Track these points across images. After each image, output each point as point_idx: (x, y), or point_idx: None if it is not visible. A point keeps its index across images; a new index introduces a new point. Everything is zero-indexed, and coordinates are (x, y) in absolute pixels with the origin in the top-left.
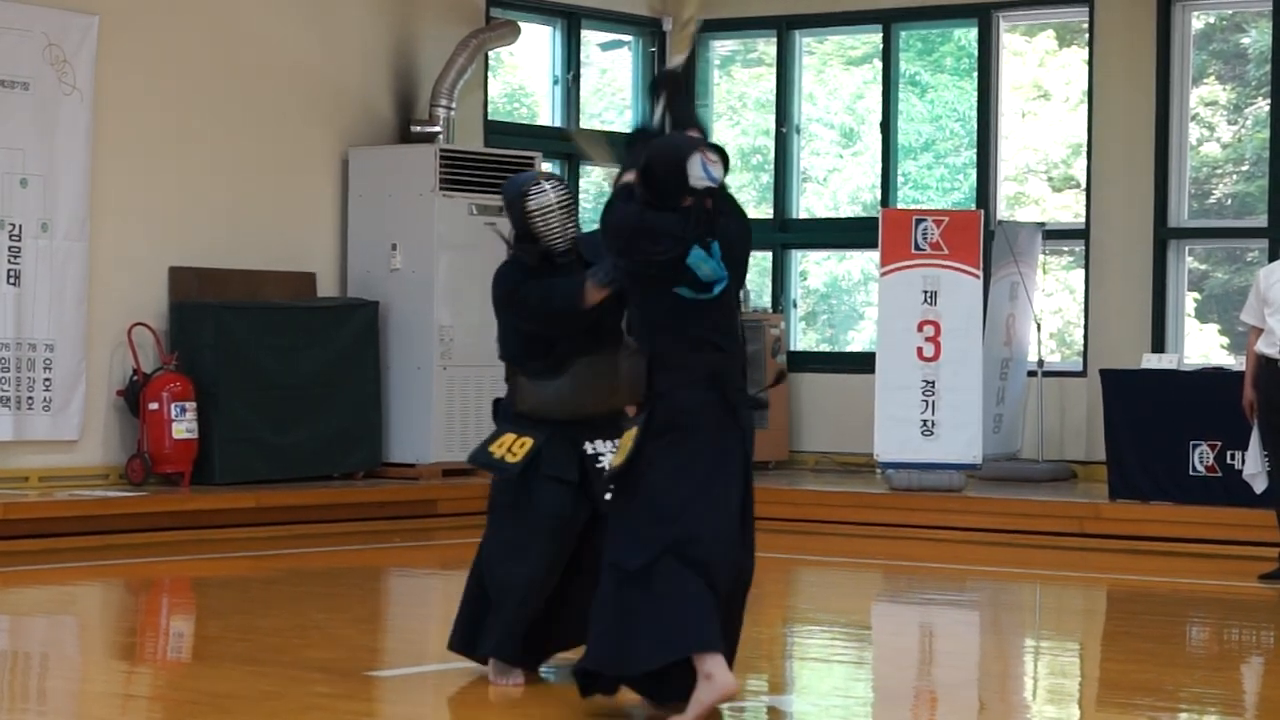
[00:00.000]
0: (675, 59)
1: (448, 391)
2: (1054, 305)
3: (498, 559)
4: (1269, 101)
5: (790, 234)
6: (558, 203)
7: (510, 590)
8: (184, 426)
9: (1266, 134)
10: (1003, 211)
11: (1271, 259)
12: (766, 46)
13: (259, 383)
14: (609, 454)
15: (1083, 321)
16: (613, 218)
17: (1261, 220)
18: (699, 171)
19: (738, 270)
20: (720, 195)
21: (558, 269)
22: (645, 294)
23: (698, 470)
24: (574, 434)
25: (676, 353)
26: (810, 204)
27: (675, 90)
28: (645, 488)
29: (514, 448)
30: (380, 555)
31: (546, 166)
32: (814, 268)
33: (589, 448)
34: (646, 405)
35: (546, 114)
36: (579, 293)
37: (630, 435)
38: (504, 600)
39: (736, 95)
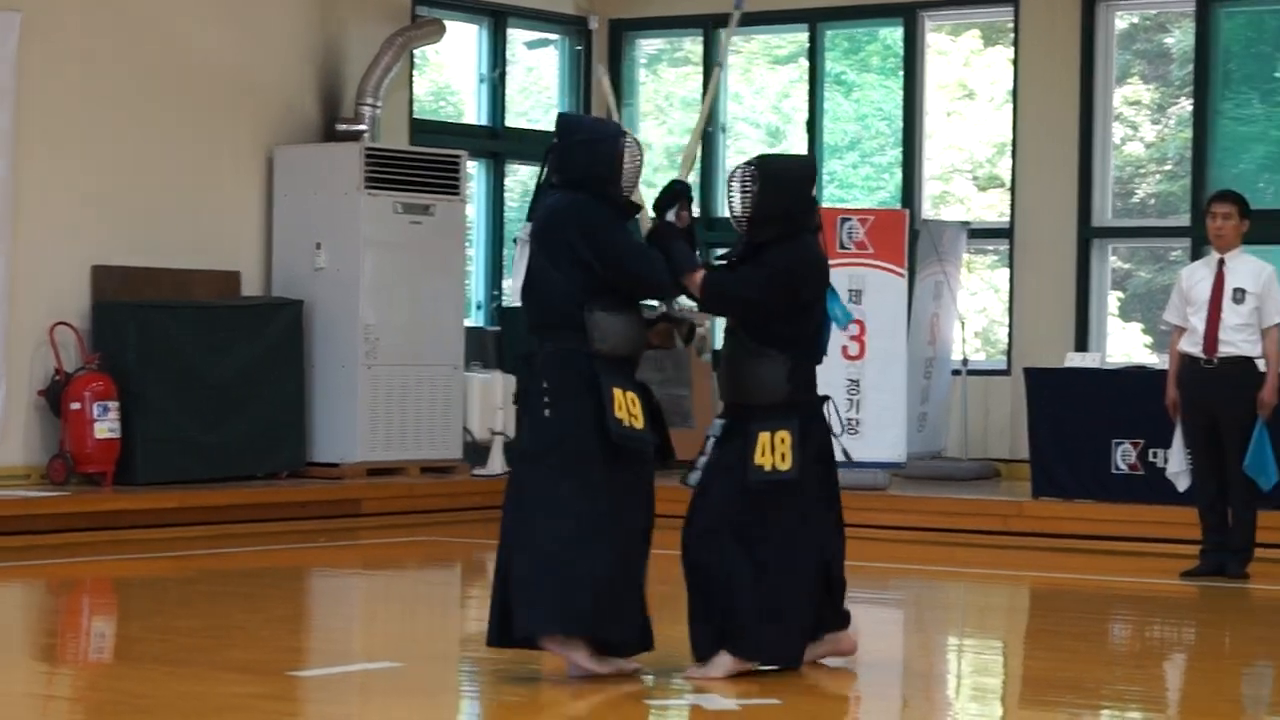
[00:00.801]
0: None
1: (372, 390)
2: (978, 304)
3: (631, 534)
4: (1191, 101)
5: (716, 233)
6: (642, 157)
7: (635, 565)
8: (106, 426)
9: (1189, 134)
10: (928, 211)
11: (1194, 258)
12: (693, 45)
13: (182, 382)
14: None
15: (1007, 320)
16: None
17: (1184, 219)
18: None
19: None
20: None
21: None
22: (804, 311)
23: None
24: (638, 377)
25: (813, 367)
26: None
27: (687, 202)
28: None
29: (630, 408)
30: (304, 555)
31: (472, 166)
32: None
33: (655, 392)
34: (794, 412)
35: (472, 112)
36: (668, 273)
37: (782, 438)
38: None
39: (663, 95)
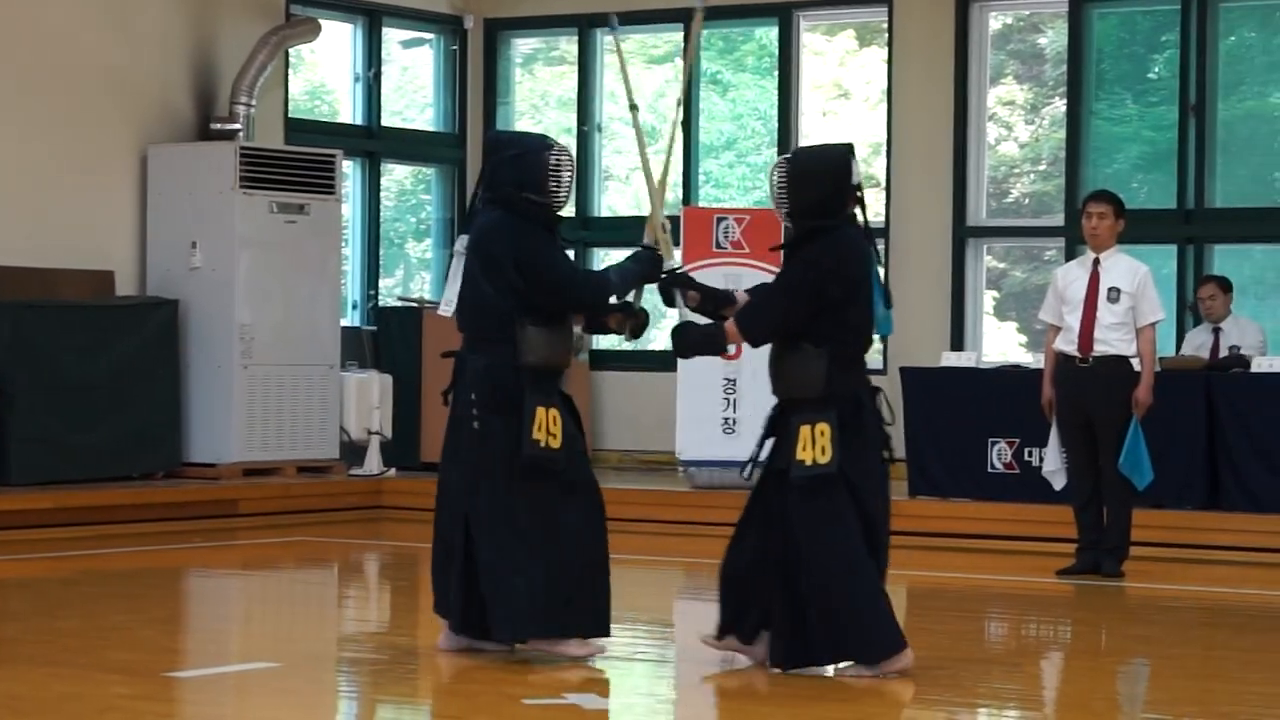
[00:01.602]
0: (671, 261)
1: (248, 390)
2: None
3: (567, 539)
4: (1065, 101)
5: (592, 232)
6: (571, 167)
7: (599, 566)
8: None
9: (1063, 134)
10: None
11: (1068, 258)
12: (568, 45)
13: (56, 382)
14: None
15: None
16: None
17: (1058, 219)
18: (856, 169)
19: None
20: None
21: (557, 223)
22: (853, 306)
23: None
24: (561, 387)
25: (855, 358)
26: (613, 202)
27: (689, 283)
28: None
29: (550, 427)
30: (181, 556)
31: (347, 165)
32: None
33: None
34: (832, 404)
35: (348, 111)
36: (607, 285)
37: (822, 431)
38: (595, 578)
39: (539, 94)
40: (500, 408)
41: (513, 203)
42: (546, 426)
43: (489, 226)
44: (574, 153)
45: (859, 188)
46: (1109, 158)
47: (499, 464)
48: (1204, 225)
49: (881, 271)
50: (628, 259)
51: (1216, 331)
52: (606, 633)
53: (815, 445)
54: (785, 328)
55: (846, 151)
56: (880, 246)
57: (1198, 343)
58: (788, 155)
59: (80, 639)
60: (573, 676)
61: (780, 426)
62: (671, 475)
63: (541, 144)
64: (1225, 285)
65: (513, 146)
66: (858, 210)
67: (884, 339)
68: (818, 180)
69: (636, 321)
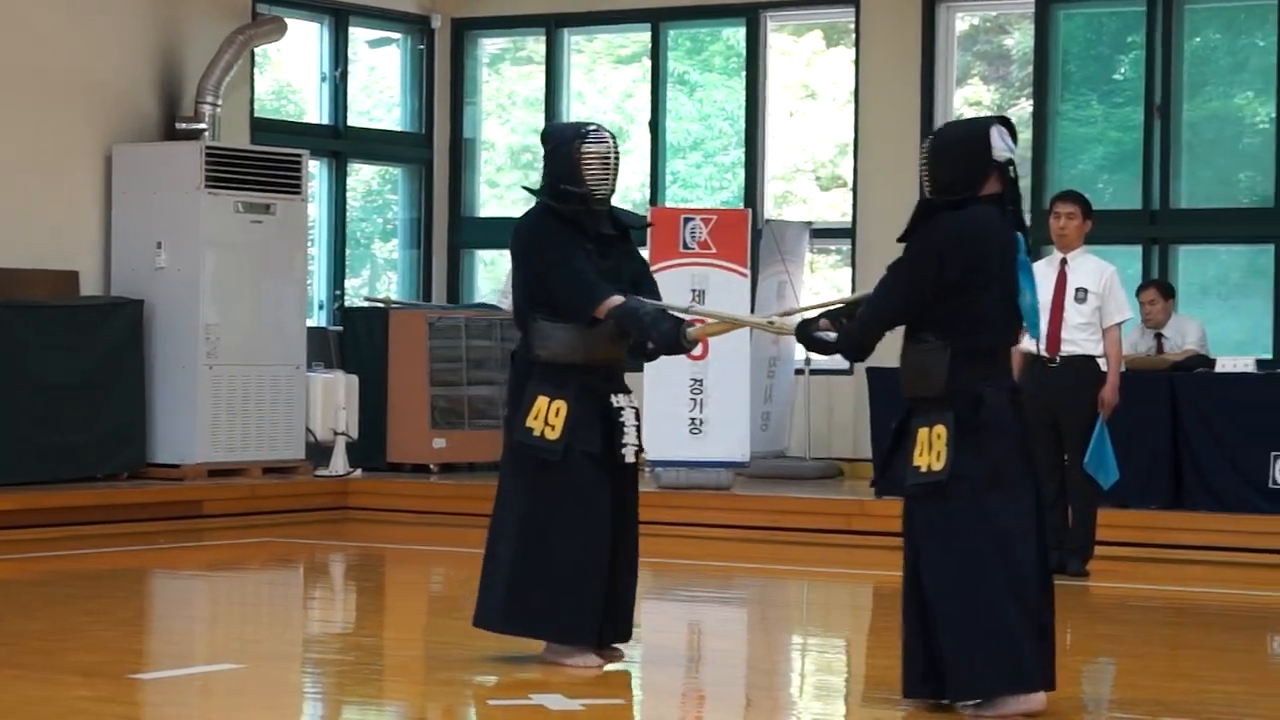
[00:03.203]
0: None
1: (214, 391)
2: None
3: (558, 539)
4: (1031, 102)
5: None
6: (612, 152)
7: (577, 568)
8: None
9: (1029, 134)
10: (770, 210)
11: (1035, 258)
12: (536, 45)
13: (20, 382)
14: (629, 409)
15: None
16: None
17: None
18: (1000, 143)
19: None
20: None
21: (593, 215)
22: (979, 291)
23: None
24: (596, 385)
25: (989, 353)
26: None
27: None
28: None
29: (550, 418)
30: (145, 557)
31: (313, 165)
32: None
33: (613, 400)
34: (951, 403)
35: (314, 111)
36: (598, 300)
37: (939, 434)
38: (571, 580)
39: (505, 94)
40: (516, 398)
41: (551, 195)
42: (545, 416)
43: (519, 220)
44: (611, 137)
45: (1008, 164)
46: (1074, 158)
47: (508, 452)
48: (1169, 226)
49: (1028, 262)
50: (657, 313)
51: (1159, 337)
52: (592, 644)
53: (931, 450)
54: (905, 312)
55: (989, 123)
56: (848, 246)
57: (1142, 349)
58: (935, 131)
59: (44, 640)
60: (538, 677)
61: (904, 430)
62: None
63: (575, 133)
64: (1167, 291)
65: (552, 139)
66: (1001, 189)
67: (1032, 336)
68: (953, 155)
69: (625, 342)
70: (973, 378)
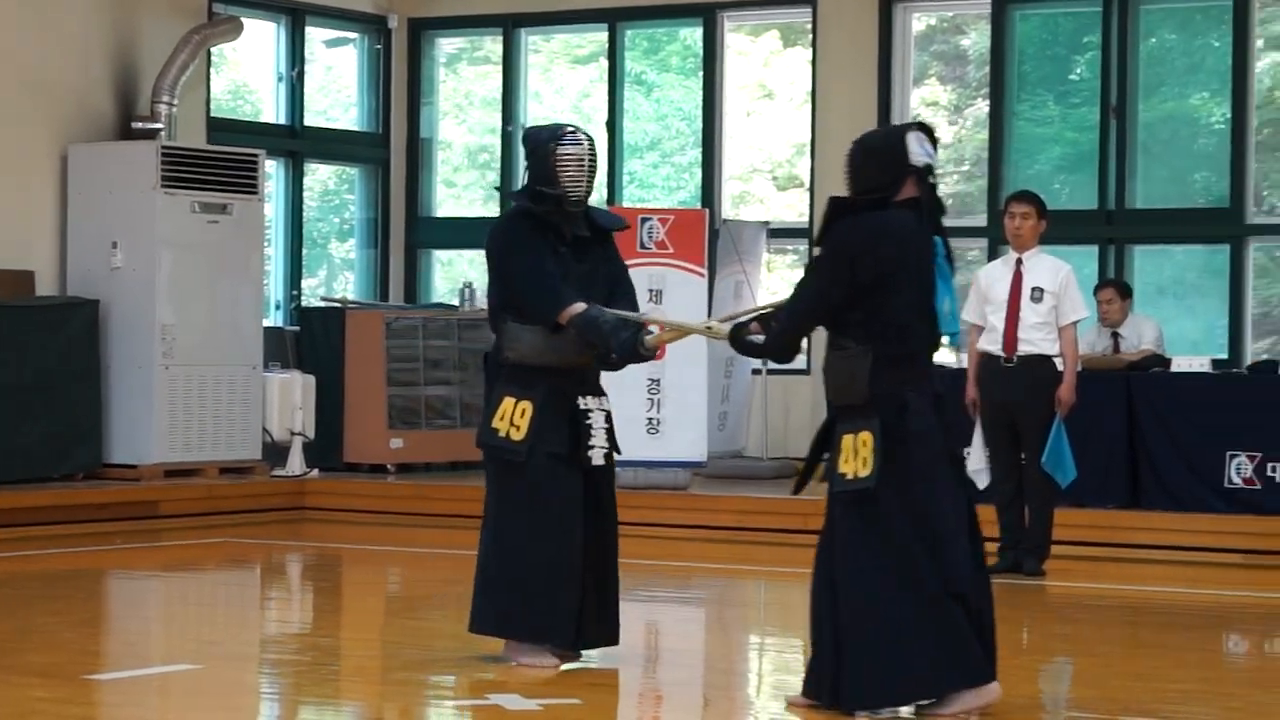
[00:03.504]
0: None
1: (170, 391)
2: None
3: (524, 540)
4: (988, 102)
5: None
6: (587, 156)
7: (546, 569)
8: None
9: (986, 135)
10: (728, 210)
11: (991, 258)
12: (493, 45)
13: None
14: (598, 411)
15: None
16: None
17: (981, 220)
18: (917, 149)
19: None
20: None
21: (569, 217)
22: (894, 295)
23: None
24: (566, 388)
25: (909, 358)
26: None
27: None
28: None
29: (515, 419)
30: (102, 557)
31: (270, 165)
32: None
33: (581, 403)
34: (877, 409)
35: (271, 111)
36: (561, 306)
37: (864, 441)
38: (539, 581)
39: (463, 94)
40: (486, 398)
41: (531, 196)
42: (511, 417)
43: (495, 222)
44: (588, 140)
45: (926, 170)
46: (1031, 159)
47: (488, 452)
48: (1125, 226)
49: (950, 266)
50: (617, 322)
51: (1115, 336)
52: (566, 645)
53: (857, 457)
54: (822, 314)
55: (907, 130)
56: (805, 246)
57: (1099, 348)
58: (856, 139)
59: (1, 641)
60: (495, 677)
61: (829, 436)
62: None
63: (551, 135)
64: (1125, 290)
65: (529, 141)
66: (918, 193)
67: (950, 343)
68: (871, 161)
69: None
70: (895, 383)
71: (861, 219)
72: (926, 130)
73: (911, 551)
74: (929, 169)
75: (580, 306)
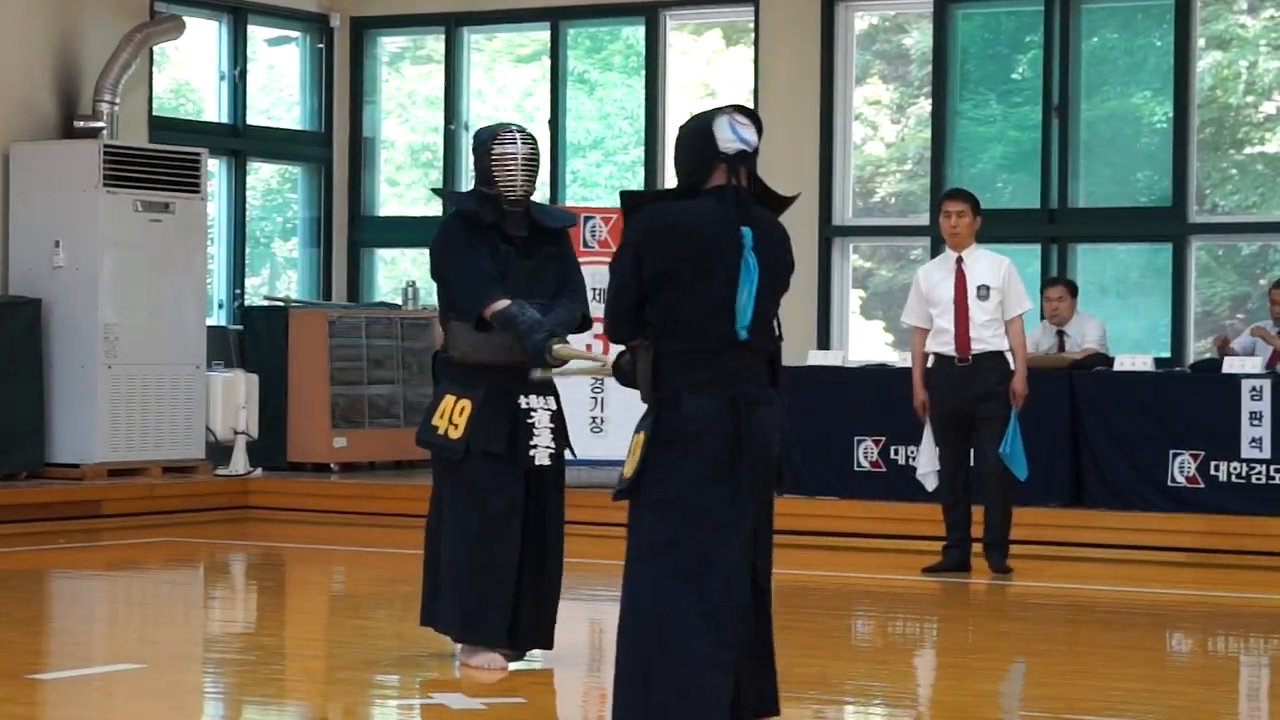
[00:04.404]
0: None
1: (113, 390)
2: None
3: (460, 538)
4: (931, 101)
5: None
6: (523, 155)
7: (480, 568)
8: None
9: (928, 134)
10: None
11: (934, 256)
12: (435, 44)
13: None
14: (542, 410)
15: None
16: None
17: (924, 219)
18: (728, 134)
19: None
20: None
21: (507, 216)
22: (661, 288)
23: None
24: (508, 386)
25: (697, 356)
26: None
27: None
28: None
29: (454, 416)
30: (44, 557)
31: (213, 164)
32: None
33: (523, 402)
34: (650, 409)
35: (213, 110)
36: (482, 302)
37: (638, 441)
38: (470, 579)
39: (405, 93)
40: (433, 396)
41: (474, 195)
42: (450, 415)
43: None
44: (524, 137)
45: (739, 157)
46: (974, 157)
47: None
48: (1067, 225)
49: (754, 258)
50: (534, 324)
51: (1061, 334)
52: (499, 643)
53: (632, 456)
54: (624, 311)
55: (718, 113)
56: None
57: (1044, 346)
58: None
59: None
60: (439, 676)
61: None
62: None
63: (489, 134)
64: (1073, 289)
65: (474, 142)
66: (726, 182)
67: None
68: (679, 148)
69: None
70: (679, 384)
71: (650, 211)
72: (749, 113)
73: (659, 574)
74: (742, 155)
75: (503, 303)
